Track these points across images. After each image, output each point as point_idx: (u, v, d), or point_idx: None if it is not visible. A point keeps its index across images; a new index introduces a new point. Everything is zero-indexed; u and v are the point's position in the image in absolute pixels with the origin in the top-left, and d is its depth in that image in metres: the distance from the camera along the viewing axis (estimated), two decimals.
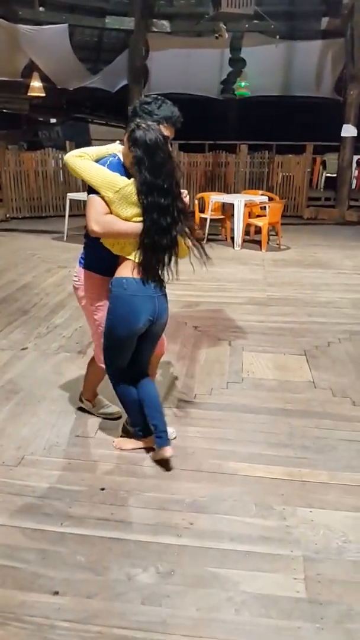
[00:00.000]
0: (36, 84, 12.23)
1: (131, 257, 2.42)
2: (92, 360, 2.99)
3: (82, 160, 2.41)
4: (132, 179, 2.32)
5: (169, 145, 2.37)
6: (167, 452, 2.62)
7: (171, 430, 2.80)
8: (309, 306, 5.28)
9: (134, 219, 2.35)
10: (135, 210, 2.34)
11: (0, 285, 5.90)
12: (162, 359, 3.85)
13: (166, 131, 2.43)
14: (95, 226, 2.35)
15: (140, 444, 2.78)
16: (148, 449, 2.74)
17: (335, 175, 11.31)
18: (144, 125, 2.30)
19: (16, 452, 2.76)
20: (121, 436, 2.89)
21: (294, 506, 2.38)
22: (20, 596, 1.90)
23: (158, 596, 1.91)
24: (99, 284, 2.63)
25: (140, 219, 2.34)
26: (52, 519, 2.28)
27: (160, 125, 2.40)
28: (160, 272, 2.47)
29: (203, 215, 8.46)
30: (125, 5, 11.80)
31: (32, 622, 1.80)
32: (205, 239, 8.42)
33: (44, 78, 12.31)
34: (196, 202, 8.64)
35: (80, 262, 2.71)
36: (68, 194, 8.88)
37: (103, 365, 2.74)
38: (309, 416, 3.17)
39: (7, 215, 10.31)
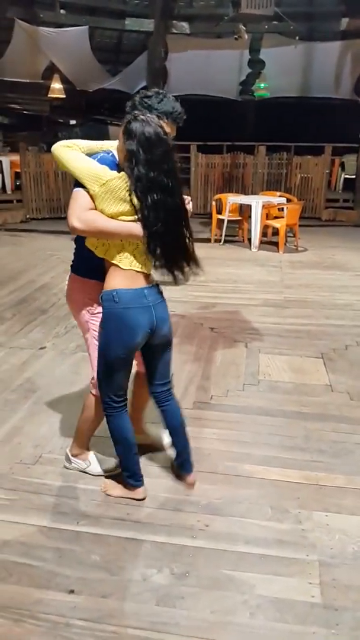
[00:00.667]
0: (56, 85, 12.37)
1: (115, 261, 2.15)
2: (88, 404, 2.54)
3: (69, 151, 2.16)
4: (121, 173, 2.06)
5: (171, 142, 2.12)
6: (191, 478, 2.51)
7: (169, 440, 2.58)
8: (326, 308, 5.24)
9: (120, 217, 2.08)
10: (122, 207, 2.06)
11: (20, 286, 5.97)
12: (178, 360, 3.87)
13: (167, 128, 2.18)
14: (75, 222, 2.07)
15: (127, 493, 2.43)
16: (139, 500, 2.43)
17: (354, 176, 11.21)
18: (142, 117, 2.05)
19: (34, 450, 2.79)
20: (106, 476, 2.57)
21: (309, 510, 2.37)
22: (37, 594, 1.92)
23: (172, 597, 1.91)
24: (91, 289, 2.33)
25: (128, 218, 2.08)
26: (68, 517, 2.30)
27: (161, 121, 2.15)
28: (176, 278, 2.23)
29: (220, 217, 8.45)
30: (145, 7, 11.87)
31: (48, 619, 1.82)
32: (222, 241, 8.43)
33: (64, 80, 12.45)
34: (214, 203, 8.63)
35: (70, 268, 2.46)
36: None
37: (94, 393, 2.44)
38: (326, 419, 3.15)
39: (27, 216, 10.42)
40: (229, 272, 6.69)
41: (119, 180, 2.05)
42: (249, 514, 2.34)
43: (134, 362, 2.39)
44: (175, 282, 2.25)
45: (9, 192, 11.52)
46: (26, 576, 1.99)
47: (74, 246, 2.42)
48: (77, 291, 2.45)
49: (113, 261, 2.16)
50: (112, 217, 2.09)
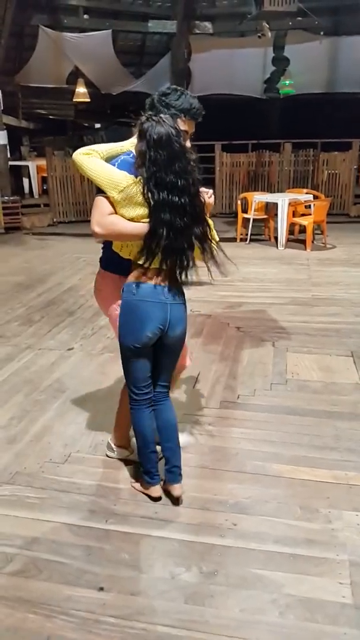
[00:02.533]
0: (81, 89, 12.50)
1: (140, 261, 2.19)
2: (122, 395, 2.65)
3: (89, 158, 2.20)
4: (138, 177, 2.10)
5: (184, 140, 2.15)
6: (176, 490, 2.38)
7: (186, 439, 2.62)
8: (355, 306, 5.16)
9: (142, 220, 2.13)
10: (141, 210, 2.12)
11: (48, 288, 6.06)
12: (204, 359, 3.87)
13: (184, 125, 2.23)
14: (96, 227, 2.15)
15: (144, 489, 2.44)
16: (153, 499, 2.41)
17: None
18: (154, 117, 2.10)
19: (63, 449, 2.83)
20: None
21: (340, 510, 2.34)
22: (67, 590, 1.94)
23: (201, 596, 1.91)
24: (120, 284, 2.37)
25: (147, 220, 2.13)
26: (97, 516, 2.33)
27: (178, 119, 2.21)
28: (179, 277, 2.23)
29: (246, 216, 8.41)
30: (168, 8, 11.90)
31: (78, 616, 1.84)
32: (248, 240, 8.38)
33: (88, 84, 12.58)
34: (239, 202, 8.59)
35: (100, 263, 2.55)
36: None
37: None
38: (356, 419, 3.10)
39: (54, 220, 10.57)
40: (255, 271, 6.66)
41: (136, 186, 2.09)
42: (278, 513, 2.32)
43: None
44: (182, 281, 2.26)
45: (36, 196, 11.70)
46: (56, 573, 2.02)
47: (102, 245, 2.48)
48: (106, 286, 2.51)
49: (139, 262, 2.21)
50: (132, 220, 2.15)
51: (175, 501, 2.38)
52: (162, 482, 2.43)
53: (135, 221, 2.14)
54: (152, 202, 2.08)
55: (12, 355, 4.12)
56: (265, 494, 2.45)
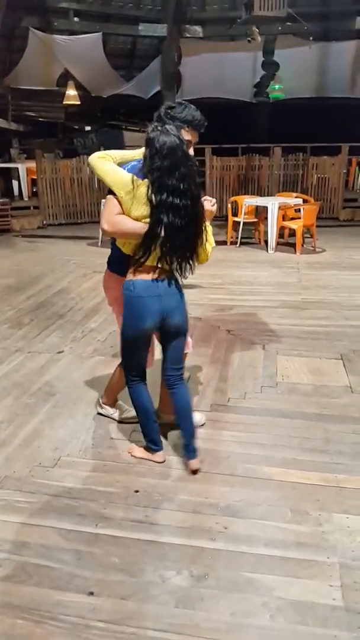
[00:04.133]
0: (71, 92, 12.48)
1: (137, 255, 2.42)
2: (118, 369, 3.01)
3: (103, 161, 2.43)
4: (145, 180, 2.32)
5: (187, 149, 2.37)
6: (194, 465, 2.62)
7: (199, 418, 2.94)
8: (345, 309, 5.19)
9: (144, 220, 2.35)
10: (145, 211, 2.34)
11: (38, 290, 6.03)
12: (195, 362, 3.87)
13: (187, 135, 2.49)
14: (105, 225, 2.39)
15: (148, 455, 2.73)
16: (158, 463, 2.70)
17: None
18: (159, 127, 2.32)
19: (53, 453, 2.81)
20: (131, 441, 2.89)
21: (330, 512, 2.34)
22: (56, 595, 1.93)
23: (192, 599, 1.90)
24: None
25: (148, 220, 2.35)
26: (87, 520, 2.31)
27: (182, 130, 2.46)
28: (178, 273, 2.50)
29: (236, 219, 8.44)
30: (158, 12, 11.92)
31: (68, 621, 1.82)
32: (238, 243, 8.41)
33: (78, 86, 12.57)
34: (229, 205, 8.62)
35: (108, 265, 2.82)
36: (102, 200, 8.99)
37: None
38: (346, 422, 3.11)
39: (44, 222, 10.53)
40: (245, 274, 6.68)
41: (142, 188, 2.31)
42: (268, 516, 2.33)
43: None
44: (175, 278, 2.53)
45: (25, 198, 11.66)
46: (46, 578, 2.00)
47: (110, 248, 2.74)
48: (117, 284, 2.66)
49: (134, 256, 2.44)
50: (137, 220, 2.37)
51: (194, 473, 2.62)
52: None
53: (139, 220, 2.36)
54: (153, 203, 2.30)
55: (1, 358, 4.09)
56: (256, 497, 2.45)
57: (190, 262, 2.48)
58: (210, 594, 1.93)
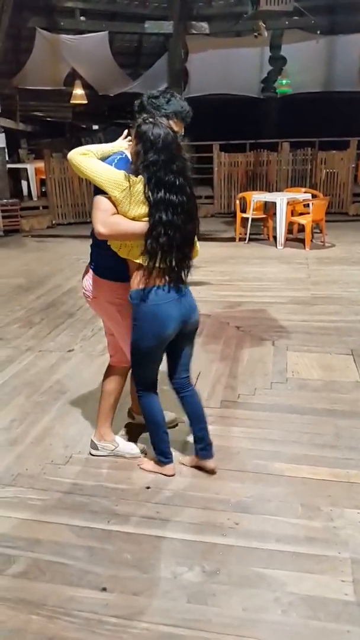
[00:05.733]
0: (78, 91, 12.51)
1: (139, 260, 2.26)
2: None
3: (87, 158, 2.24)
4: (139, 177, 2.17)
5: (180, 141, 2.25)
6: (211, 464, 2.59)
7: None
8: (355, 305, 5.16)
9: (143, 219, 2.21)
10: (142, 209, 2.19)
11: (48, 290, 6.07)
12: (204, 359, 3.87)
13: (175, 126, 2.30)
14: (101, 228, 2.19)
15: (158, 468, 2.60)
16: (168, 476, 2.59)
17: None
18: (151, 119, 2.18)
19: (64, 450, 2.83)
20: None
21: (341, 507, 2.34)
22: (69, 591, 1.94)
23: (204, 595, 1.91)
24: (117, 288, 2.46)
25: (147, 218, 2.21)
26: (99, 516, 2.33)
27: (170, 121, 2.27)
28: (181, 272, 2.33)
29: (245, 215, 8.41)
30: (164, 9, 11.89)
31: (81, 616, 1.84)
32: (247, 239, 8.39)
33: (85, 85, 12.59)
34: (237, 202, 8.59)
35: (95, 270, 2.52)
36: None
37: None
38: (357, 417, 3.10)
39: (53, 222, 10.57)
40: (254, 270, 6.66)
41: (137, 185, 2.16)
42: (280, 512, 2.33)
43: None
44: (182, 279, 2.35)
45: (35, 198, 11.71)
46: (59, 574, 2.02)
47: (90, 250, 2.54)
48: (103, 293, 2.53)
49: (137, 260, 2.27)
50: (134, 219, 2.19)
51: (212, 472, 2.59)
52: (196, 459, 2.62)
53: (136, 220, 2.20)
54: (151, 201, 2.16)
55: (13, 357, 4.12)
56: (267, 493, 2.45)
57: (189, 261, 2.36)
58: (222, 589, 1.94)
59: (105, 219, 2.19)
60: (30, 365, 3.96)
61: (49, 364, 3.98)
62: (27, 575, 2.03)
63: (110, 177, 2.17)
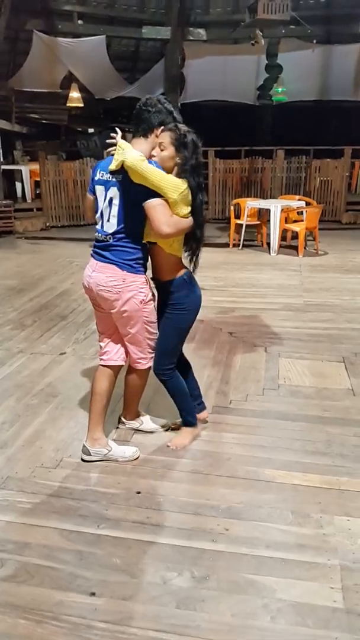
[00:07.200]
0: (75, 94, 12.51)
1: (179, 253, 2.63)
2: (130, 373, 2.87)
3: (147, 164, 2.37)
4: (183, 180, 2.45)
5: None
6: (206, 414, 3.08)
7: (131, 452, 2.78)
8: (347, 312, 5.19)
9: (187, 216, 2.52)
10: (187, 210, 2.50)
11: (41, 292, 6.05)
12: (197, 364, 3.87)
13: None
14: (167, 228, 2.42)
15: (194, 433, 2.93)
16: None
17: None
18: (185, 128, 2.45)
19: (55, 454, 2.82)
20: (172, 429, 3.02)
21: (331, 514, 2.35)
22: (58, 596, 1.93)
23: (193, 600, 1.91)
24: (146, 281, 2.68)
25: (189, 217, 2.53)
26: (88, 521, 2.32)
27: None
28: (196, 262, 2.72)
29: (239, 222, 8.44)
30: (162, 15, 11.96)
31: (69, 621, 1.83)
32: (241, 245, 8.42)
33: (82, 89, 12.60)
34: (232, 208, 8.63)
35: (137, 270, 2.57)
36: None
37: (143, 367, 2.79)
38: (348, 424, 3.12)
39: (47, 224, 10.55)
40: (248, 276, 6.68)
41: (187, 187, 2.45)
42: (270, 518, 2.33)
43: (123, 357, 2.78)
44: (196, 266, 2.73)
45: (29, 200, 11.69)
46: (48, 578, 2.01)
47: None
48: (131, 292, 2.59)
49: (174, 253, 2.62)
50: (184, 217, 2.51)
51: (204, 422, 3.05)
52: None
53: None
54: (196, 202, 2.50)
55: (4, 359, 4.10)
56: (257, 499, 2.45)
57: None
58: (212, 595, 1.93)
59: (168, 220, 2.43)
60: (22, 368, 3.95)
61: (41, 366, 3.97)
62: (15, 578, 2.01)
63: (172, 182, 2.41)
